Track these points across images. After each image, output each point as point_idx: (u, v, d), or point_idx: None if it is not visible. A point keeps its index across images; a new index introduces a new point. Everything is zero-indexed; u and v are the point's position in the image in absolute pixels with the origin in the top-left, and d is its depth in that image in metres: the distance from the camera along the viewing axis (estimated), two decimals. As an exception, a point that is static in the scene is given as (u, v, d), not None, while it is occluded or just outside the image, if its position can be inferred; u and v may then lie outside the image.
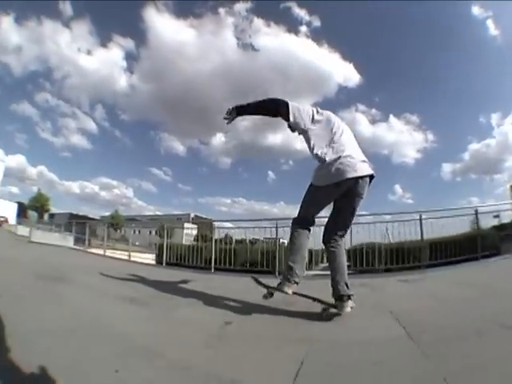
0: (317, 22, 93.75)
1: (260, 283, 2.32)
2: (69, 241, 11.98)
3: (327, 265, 2.11)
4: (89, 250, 9.48)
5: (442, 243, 5.40)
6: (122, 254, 8.60)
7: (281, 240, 5.89)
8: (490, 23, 77.42)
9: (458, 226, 5.90)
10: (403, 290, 2.93)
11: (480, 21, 75.29)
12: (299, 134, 2.08)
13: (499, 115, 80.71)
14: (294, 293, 2.00)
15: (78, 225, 13.60)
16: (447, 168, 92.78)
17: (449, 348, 1.37)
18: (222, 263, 6.05)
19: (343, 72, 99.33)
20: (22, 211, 41.01)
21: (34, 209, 44.26)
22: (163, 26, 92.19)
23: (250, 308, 2.19)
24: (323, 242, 2.08)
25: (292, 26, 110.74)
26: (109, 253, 8.90)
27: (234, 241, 7.63)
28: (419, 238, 5.48)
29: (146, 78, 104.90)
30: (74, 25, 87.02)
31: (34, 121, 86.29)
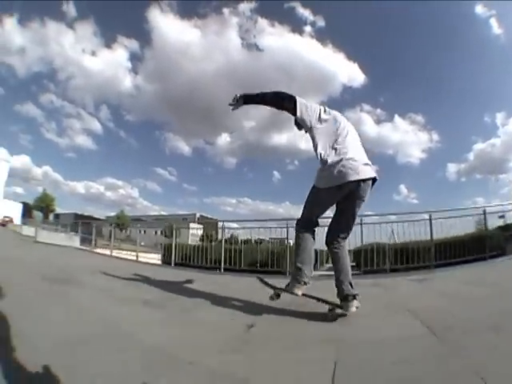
0: (321, 22, 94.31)
1: (266, 284, 2.30)
2: (75, 241, 12.02)
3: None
4: (95, 251, 9.53)
5: (447, 243, 5.39)
6: (127, 254, 8.63)
7: (291, 241, 5.90)
8: (493, 22, 77.05)
9: (462, 227, 5.90)
10: (416, 289, 2.93)
11: (483, 19, 75.24)
12: (306, 132, 2.08)
13: (504, 114, 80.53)
14: (304, 294, 1.99)
15: (83, 225, 13.71)
16: (452, 168, 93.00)
17: (474, 343, 1.39)
18: (232, 263, 6.07)
19: (348, 72, 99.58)
20: (26, 211, 41.34)
21: (39, 209, 44.58)
22: (167, 26, 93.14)
23: (266, 310, 2.15)
24: (326, 243, 2.07)
25: (296, 25, 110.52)
26: (115, 253, 8.95)
27: (241, 241, 7.63)
28: (425, 238, 5.47)
29: (150, 78, 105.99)
30: (78, 26, 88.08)
31: (39, 121, 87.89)
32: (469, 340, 1.43)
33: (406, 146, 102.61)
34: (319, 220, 2.15)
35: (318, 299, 2.05)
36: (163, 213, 78.46)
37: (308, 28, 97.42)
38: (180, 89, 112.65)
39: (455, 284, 3.02)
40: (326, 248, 2.14)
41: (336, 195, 1.93)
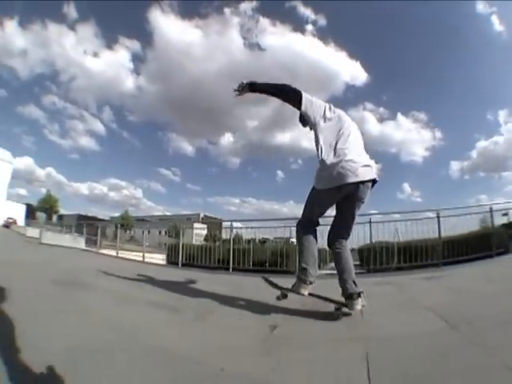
0: (322, 21, 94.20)
1: (271, 283, 2.28)
2: (80, 242, 12.09)
3: None
4: (100, 252, 9.57)
5: (454, 241, 5.41)
6: (132, 255, 8.62)
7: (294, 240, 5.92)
8: (494, 19, 76.58)
9: (467, 225, 5.93)
10: (428, 286, 2.93)
11: (484, 17, 74.99)
12: (310, 129, 2.08)
13: (506, 112, 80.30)
14: (310, 294, 1.99)
15: (87, 226, 13.79)
16: (455, 166, 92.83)
17: (498, 337, 1.41)
18: (241, 263, 6.08)
19: (350, 71, 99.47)
20: (30, 213, 41.53)
21: (42, 210, 44.88)
22: (169, 26, 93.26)
23: (282, 310, 2.09)
24: (328, 244, 2.08)
25: (298, 25, 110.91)
26: (120, 253, 8.96)
27: (246, 241, 7.66)
28: (431, 236, 5.48)
29: (152, 78, 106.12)
30: (80, 27, 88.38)
31: (42, 123, 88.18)
32: (492, 335, 1.45)
33: (409, 145, 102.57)
34: (320, 220, 2.15)
35: (325, 298, 2.05)
36: (167, 213, 78.27)
37: (310, 27, 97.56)
38: (182, 89, 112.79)
39: (465, 281, 3.03)
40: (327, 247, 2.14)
41: (335, 196, 1.93)
